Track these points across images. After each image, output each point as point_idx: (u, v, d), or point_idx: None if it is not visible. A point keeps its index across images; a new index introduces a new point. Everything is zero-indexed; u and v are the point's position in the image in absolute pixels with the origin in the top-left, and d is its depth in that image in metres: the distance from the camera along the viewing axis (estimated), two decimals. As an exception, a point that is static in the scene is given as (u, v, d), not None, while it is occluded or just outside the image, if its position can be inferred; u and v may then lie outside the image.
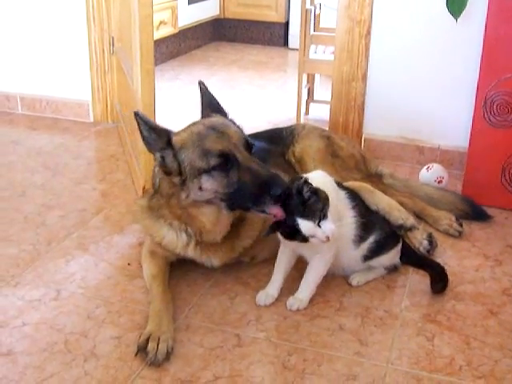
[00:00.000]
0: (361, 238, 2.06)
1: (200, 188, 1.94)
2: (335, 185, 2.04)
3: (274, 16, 6.47)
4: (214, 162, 1.90)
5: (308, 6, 3.63)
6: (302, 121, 3.96)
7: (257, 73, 5.43)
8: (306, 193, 1.81)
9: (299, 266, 2.08)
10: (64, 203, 2.77)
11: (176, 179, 1.97)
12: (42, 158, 3.28)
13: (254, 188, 1.88)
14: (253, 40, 6.71)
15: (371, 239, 2.09)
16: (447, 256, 2.37)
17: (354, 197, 2.10)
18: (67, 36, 3.77)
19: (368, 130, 3.33)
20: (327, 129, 3.38)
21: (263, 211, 1.90)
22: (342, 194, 2.06)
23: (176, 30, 5.73)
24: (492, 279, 2.23)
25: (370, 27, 3.13)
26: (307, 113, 4.18)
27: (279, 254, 2.06)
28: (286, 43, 6.50)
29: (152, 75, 2.43)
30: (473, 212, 2.64)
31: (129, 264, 2.28)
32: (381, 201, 2.15)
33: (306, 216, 1.81)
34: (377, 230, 2.09)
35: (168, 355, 1.79)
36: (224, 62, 5.84)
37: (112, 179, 3.05)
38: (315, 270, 2.01)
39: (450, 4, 2.28)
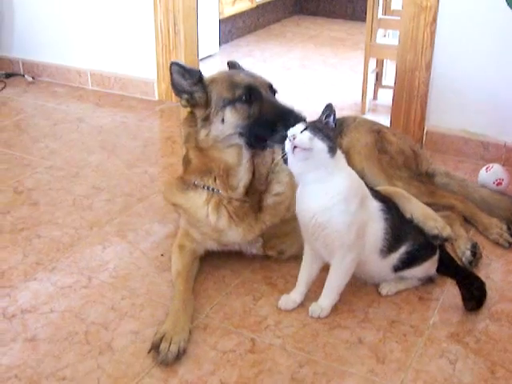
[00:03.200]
0: (389, 249, 1.97)
1: (222, 120, 2.02)
2: (366, 191, 1.96)
3: (357, -10, 6.26)
4: (239, 92, 2.01)
5: (377, -12, 3.47)
6: (368, 106, 3.85)
7: (332, 51, 5.30)
8: (326, 118, 1.86)
9: (328, 270, 2.02)
10: (113, 186, 2.83)
11: (200, 112, 2.06)
12: (102, 137, 3.36)
13: (272, 117, 1.98)
14: (335, 14, 6.55)
15: (402, 250, 1.99)
16: (492, 268, 2.24)
17: (390, 207, 2.00)
18: (135, 15, 3.81)
19: (431, 122, 3.18)
20: (389, 117, 3.28)
21: (280, 141, 1.91)
22: (376, 205, 1.96)
23: (253, 5, 5.67)
24: (536, 298, 2.09)
25: (435, 14, 2.96)
26: (375, 97, 4.04)
27: (303, 256, 2.02)
28: (368, 19, 6.27)
29: (196, 66, 2.41)
30: (529, 220, 2.47)
31: (162, 255, 2.31)
32: (416, 209, 2.05)
33: (309, 126, 1.81)
34: (409, 241, 2.00)
35: (179, 356, 1.80)
36: (301, 38, 5.74)
37: (164, 163, 3.08)
38: (336, 275, 1.95)
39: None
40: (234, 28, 5.63)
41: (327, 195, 1.85)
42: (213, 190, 2.12)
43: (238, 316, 2.00)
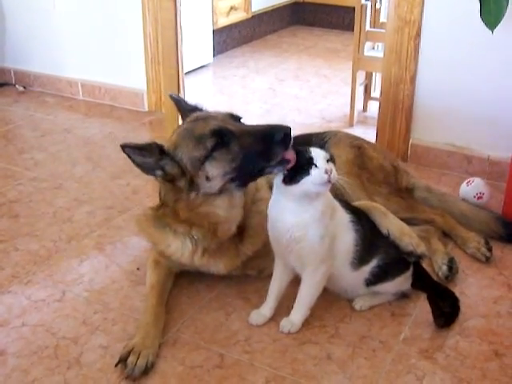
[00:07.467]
0: (360, 262, 1.97)
1: (207, 178, 1.90)
2: (336, 203, 1.96)
3: (353, 0, 6.25)
4: (210, 143, 1.88)
5: (364, 0, 3.48)
6: (357, 118, 3.85)
7: (326, 62, 5.31)
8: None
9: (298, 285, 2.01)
10: (95, 199, 2.83)
11: (182, 183, 1.93)
12: (88, 149, 3.37)
13: (259, 146, 1.85)
14: (332, 25, 6.56)
15: (373, 263, 1.99)
16: (467, 283, 2.23)
17: (360, 220, 2.00)
18: (125, 26, 3.83)
19: (416, 135, 3.18)
20: (376, 131, 3.28)
21: (279, 163, 1.83)
22: (347, 217, 1.97)
23: (249, 15, 5.69)
24: (509, 315, 2.07)
25: (419, 28, 2.96)
26: (365, 109, 4.04)
27: (274, 269, 2.02)
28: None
29: (175, 80, 2.41)
30: (507, 235, 2.46)
31: (138, 269, 2.31)
32: (392, 225, 2.04)
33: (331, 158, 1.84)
34: (381, 254, 2.00)
35: (147, 371, 1.80)
36: (296, 49, 5.75)
37: (148, 175, 3.08)
38: (307, 288, 1.95)
39: (486, 15, 2.09)
40: (229, 38, 5.65)
41: (307, 212, 1.85)
42: (195, 240, 2.06)
43: (209, 331, 2.00)
